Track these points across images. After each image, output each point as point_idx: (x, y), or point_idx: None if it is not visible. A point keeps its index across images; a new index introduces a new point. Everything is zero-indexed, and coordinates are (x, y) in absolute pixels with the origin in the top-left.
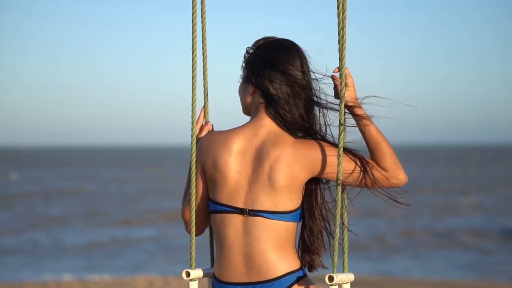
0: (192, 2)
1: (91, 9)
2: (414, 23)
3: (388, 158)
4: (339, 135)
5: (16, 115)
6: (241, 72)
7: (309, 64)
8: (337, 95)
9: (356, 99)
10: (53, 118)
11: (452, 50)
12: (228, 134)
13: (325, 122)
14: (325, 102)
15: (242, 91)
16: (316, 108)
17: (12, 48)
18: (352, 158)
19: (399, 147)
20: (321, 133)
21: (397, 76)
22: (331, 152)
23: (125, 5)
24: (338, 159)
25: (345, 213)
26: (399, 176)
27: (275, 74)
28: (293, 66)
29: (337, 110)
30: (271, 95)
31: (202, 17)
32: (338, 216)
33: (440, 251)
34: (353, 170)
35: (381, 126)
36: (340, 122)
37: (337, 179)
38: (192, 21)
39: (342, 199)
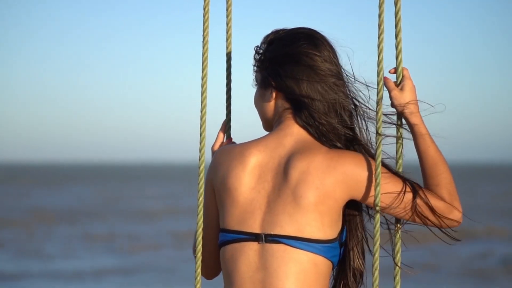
0: None
1: (86, 10)
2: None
3: (447, 185)
4: (376, 148)
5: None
6: (253, 77)
7: (338, 54)
8: (393, 104)
9: (416, 104)
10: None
11: None
12: (245, 145)
13: (366, 129)
14: (367, 106)
15: (259, 100)
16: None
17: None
18: (402, 181)
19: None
20: (368, 144)
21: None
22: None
23: (127, 3)
24: (376, 179)
25: (399, 246)
26: (455, 212)
27: (299, 69)
28: (320, 57)
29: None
30: (299, 96)
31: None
32: (377, 254)
33: None
34: (403, 197)
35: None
36: (377, 132)
37: (375, 205)
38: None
39: (396, 229)
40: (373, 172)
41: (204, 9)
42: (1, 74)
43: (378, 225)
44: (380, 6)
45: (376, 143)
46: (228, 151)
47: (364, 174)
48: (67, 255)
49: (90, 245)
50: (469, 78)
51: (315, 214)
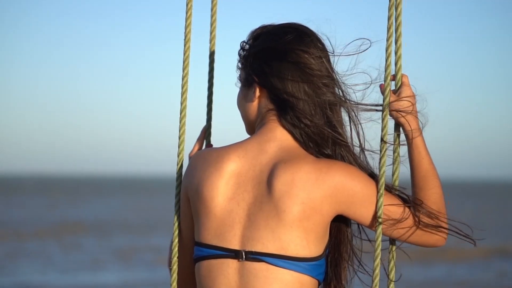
0: None
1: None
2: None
3: (437, 201)
4: (381, 157)
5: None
6: (237, 76)
7: (329, 53)
8: (389, 111)
9: (414, 112)
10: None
11: None
12: (223, 150)
13: (363, 134)
14: (360, 106)
15: (242, 100)
16: (347, 116)
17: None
18: (398, 196)
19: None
20: (359, 152)
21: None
22: (371, 182)
23: (124, 6)
24: (379, 190)
25: (393, 263)
26: (442, 230)
27: (284, 67)
28: (308, 53)
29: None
30: (283, 96)
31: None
32: (377, 270)
33: None
34: (403, 215)
35: None
36: (382, 139)
37: (378, 217)
38: None
39: (392, 247)
40: (366, 185)
41: (187, 5)
42: (24, 83)
43: (379, 239)
44: (390, 9)
45: (380, 151)
46: (204, 156)
47: (356, 188)
48: (95, 268)
49: (118, 258)
50: (480, 95)
51: (299, 230)
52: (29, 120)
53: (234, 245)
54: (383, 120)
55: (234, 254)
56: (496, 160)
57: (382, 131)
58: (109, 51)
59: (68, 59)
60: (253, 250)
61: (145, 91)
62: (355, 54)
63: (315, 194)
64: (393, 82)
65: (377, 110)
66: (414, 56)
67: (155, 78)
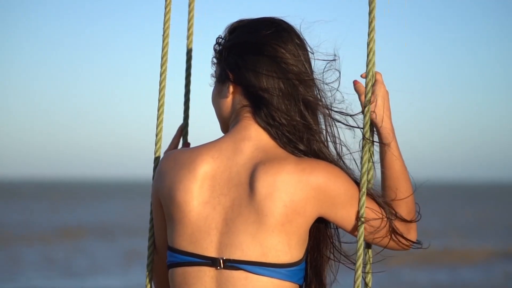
0: None
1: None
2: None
3: (408, 203)
4: (362, 156)
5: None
6: (212, 72)
7: (308, 48)
8: (363, 109)
9: (387, 111)
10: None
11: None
12: (196, 150)
13: (333, 134)
14: (338, 107)
15: (216, 96)
16: (323, 115)
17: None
18: (375, 199)
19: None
20: (336, 151)
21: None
22: (353, 184)
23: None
24: (361, 188)
25: (370, 265)
26: (410, 235)
27: (260, 62)
28: (285, 49)
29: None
30: (257, 91)
31: None
32: (359, 271)
33: None
34: (379, 219)
35: None
36: (364, 136)
37: (360, 216)
38: None
39: (367, 249)
40: (349, 187)
41: (166, 0)
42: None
43: (362, 238)
44: (370, 3)
45: (362, 149)
46: (175, 157)
47: (340, 189)
48: (98, 271)
49: (121, 261)
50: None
51: (281, 235)
52: (28, 123)
53: (211, 252)
54: (365, 116)
55: (211, 262)
56: (497, 161)
57: (364, 128)
58: (108, 54)
59: (68, 63)
60: (231, 258)
61: (145, 94)
62: (333, 66)
63: (298, 195)
64: (364, 80)
65: (350, 115)
66: (414, 56)
67: (155, 80)
